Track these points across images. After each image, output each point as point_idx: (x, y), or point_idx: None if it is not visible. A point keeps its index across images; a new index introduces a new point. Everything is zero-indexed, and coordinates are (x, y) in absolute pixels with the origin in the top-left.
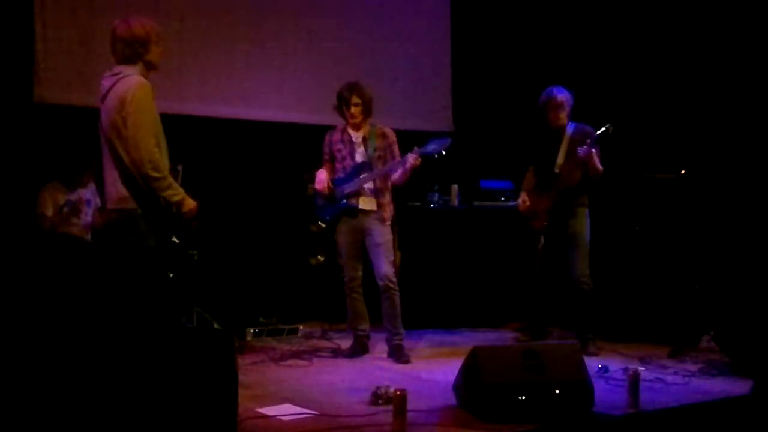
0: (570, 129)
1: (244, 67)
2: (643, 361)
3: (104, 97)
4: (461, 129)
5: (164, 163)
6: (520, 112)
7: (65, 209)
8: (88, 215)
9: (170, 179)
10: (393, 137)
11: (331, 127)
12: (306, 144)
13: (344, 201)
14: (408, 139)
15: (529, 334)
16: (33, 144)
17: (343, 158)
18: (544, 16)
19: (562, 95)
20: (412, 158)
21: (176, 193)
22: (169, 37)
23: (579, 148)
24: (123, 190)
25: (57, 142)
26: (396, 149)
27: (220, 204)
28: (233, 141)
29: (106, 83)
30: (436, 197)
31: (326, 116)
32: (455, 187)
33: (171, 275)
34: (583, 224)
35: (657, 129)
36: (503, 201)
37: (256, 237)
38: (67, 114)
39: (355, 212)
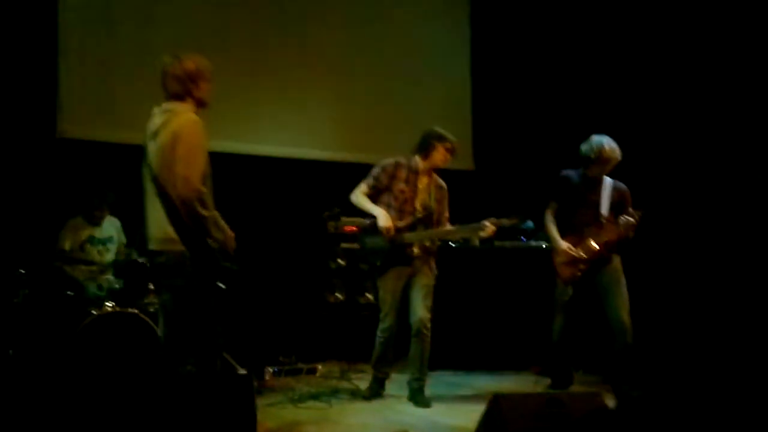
0: (608, 181)
1: (263, 103)
2: None
3: (155, 134)
4: (481, 167)
5: (211, 201)
6: (540, 152)
7: (87, 245)
8: (110, 252)
9: (216, 215)
10: (446, 190)
11: (350, 166)
12: (325, 181)
13: (403, 250)
14: None
15: (552, 382)
16: (55, 178)
17: (405, 201)
18: (564, 55)
19: (616, 151)
20: (490, 228)
21: (223, 229)
22: None
23: (622, 220)
24: (170, 231)
25: (79, 176)
26: (447, 203)
27: (238, 241)
28: (251, 177)
29: (157, 120)
30: None
31: (345, 153)
32: None
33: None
34: (621, 271)
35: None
36: (524, 241)
37: (275, 274)
38: (89, 149)
39: (410, 260)
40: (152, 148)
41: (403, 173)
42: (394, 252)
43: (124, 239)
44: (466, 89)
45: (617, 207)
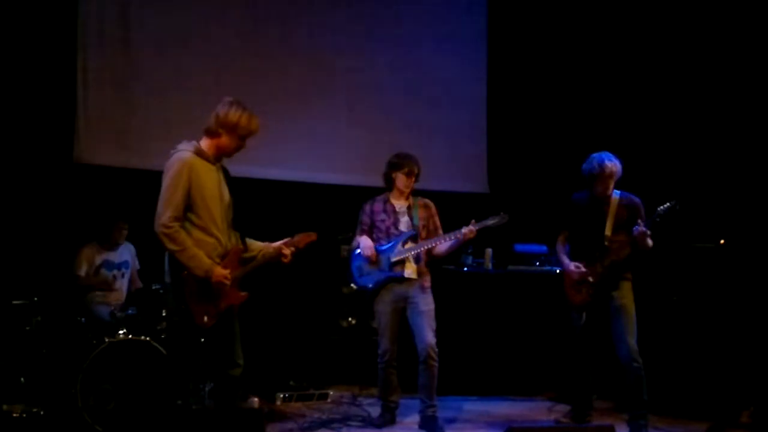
0: (616, 197)
1: (277, 128)
2: None
3: None
4: (496, 192)
5: (211, 237)
6: (554, 177)
7: (102, 270)
8: (124, 277)
9: (193, 251)
10: (434, 208)
11: (364, 190)
12: (338, 205)
13: (391, 269)
14: (443, 201)
15: (572, 409)
16: (72, 204)
17: (387, 228)
18: (579, 80)
19: (615, 165)
20: (467, 230)
21: (199, 265)
22: (207, 98)
23: (634, 228)
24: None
25: (95, 202)
26: (438, 220)
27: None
28: (264, 201)
29: None
30: (470, 260)
31: (359, 177)
32: (489, 251)
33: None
34: (630, 297)
35: (695, 198)
36: (538, 265)
37: (286, 299)
38: (105, 175)
39: (401, 280)
40: None
41: (379, 206)
42: (382, 273)
43: (138, 265)
44: (481, 113)
45: (627, 223)
